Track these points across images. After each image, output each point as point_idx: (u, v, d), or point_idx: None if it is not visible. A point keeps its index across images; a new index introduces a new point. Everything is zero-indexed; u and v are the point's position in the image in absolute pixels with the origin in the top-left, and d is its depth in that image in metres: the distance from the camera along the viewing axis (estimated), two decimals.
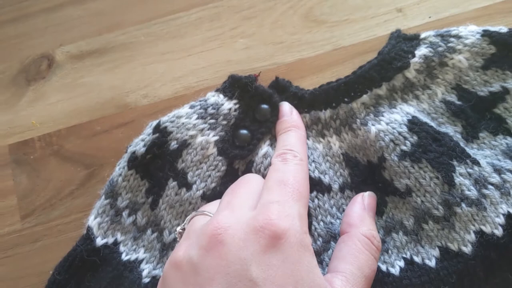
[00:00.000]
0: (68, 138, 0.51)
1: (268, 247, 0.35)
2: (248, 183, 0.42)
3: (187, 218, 0.42)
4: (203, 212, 0.41)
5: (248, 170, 0.45)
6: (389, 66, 0.45)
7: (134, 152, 0.44)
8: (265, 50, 0.52)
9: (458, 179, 0.40)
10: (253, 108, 0.46)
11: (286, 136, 0.44)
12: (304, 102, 0.46)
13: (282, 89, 0.47)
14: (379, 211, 0.43)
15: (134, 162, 0.44)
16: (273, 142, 0.46)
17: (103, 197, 0.44)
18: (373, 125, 0.43)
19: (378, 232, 0.42)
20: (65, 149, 0.51)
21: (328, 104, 0.45)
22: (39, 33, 0.56)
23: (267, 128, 0.45)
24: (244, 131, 0.45)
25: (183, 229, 0.41)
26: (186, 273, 0.36)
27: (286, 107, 0.46)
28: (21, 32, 0.56)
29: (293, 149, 0.42)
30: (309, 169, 0.43)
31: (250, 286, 0.33)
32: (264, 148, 0.45)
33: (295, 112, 0.46)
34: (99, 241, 0.43)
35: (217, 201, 0.42)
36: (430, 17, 0.51)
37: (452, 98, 0.45)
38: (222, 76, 0.48)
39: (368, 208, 0.42)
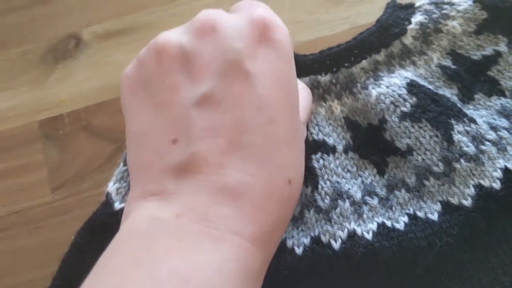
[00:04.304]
0: (96, 114, 0.53)
1: (263, 40, 0.32)
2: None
3: None
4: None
5: None
6: (387, 32, 0.47)
7: None
8: None
9: (456, 137, 0.42)
10: None
11: None
12: (305, 66, 0.48)
13: None
14: (381, 171, 0.44)
15: None
16: None
17: (122, 164, 0.46)
18: (373, 88, 0.45)
19: (381, 190, 0.43)
20: (93, 124, 0.53)
21: (329, 69, 0.47)
22: (66, 14, 0.58)
23: None
24: None
25: None
26: (174, 60, 0.33)
27: None
28: (50, 13, 0.59)
29: None
30: (312, 133, 0.45)
31: (245, 78, 0.31)
32: None
33: None
34: (117, 206, 0.44)
35: None
36: None
37: (447, 62, 0.47)
38: None
39: None
